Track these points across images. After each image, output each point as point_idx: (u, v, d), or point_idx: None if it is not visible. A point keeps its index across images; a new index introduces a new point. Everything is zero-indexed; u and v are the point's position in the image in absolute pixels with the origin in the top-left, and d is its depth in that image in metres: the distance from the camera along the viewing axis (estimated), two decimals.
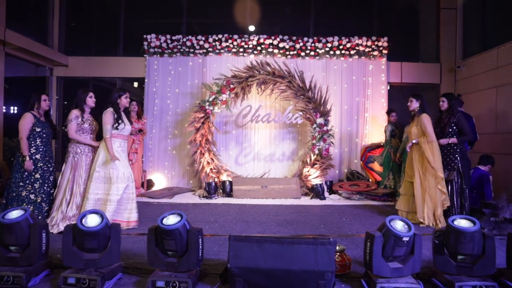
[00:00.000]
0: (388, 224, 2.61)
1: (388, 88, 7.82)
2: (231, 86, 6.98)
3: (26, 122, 4.17)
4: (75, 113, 4.30)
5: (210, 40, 7.51)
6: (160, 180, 7.49)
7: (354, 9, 8.41)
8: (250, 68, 7.07)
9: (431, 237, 2.79)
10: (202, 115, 6.94)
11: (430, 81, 8.01)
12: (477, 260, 2.62)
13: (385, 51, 7.60)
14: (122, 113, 4.33)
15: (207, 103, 6.91)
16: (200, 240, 2.69)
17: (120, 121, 4.23)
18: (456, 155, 4.61)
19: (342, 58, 7.63)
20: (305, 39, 7.51)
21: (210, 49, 7.56)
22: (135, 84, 8.67)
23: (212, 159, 6.99)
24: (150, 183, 7.25)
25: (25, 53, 6.97)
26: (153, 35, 7.56)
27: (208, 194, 6.40)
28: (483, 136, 6.19)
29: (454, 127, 4.61)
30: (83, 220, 2.70)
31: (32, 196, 4.14)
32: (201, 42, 7.51)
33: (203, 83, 7.39)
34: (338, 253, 2.83)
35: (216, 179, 6.89)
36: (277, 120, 7.35)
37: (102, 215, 2.74)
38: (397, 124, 6.61)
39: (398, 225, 2.63)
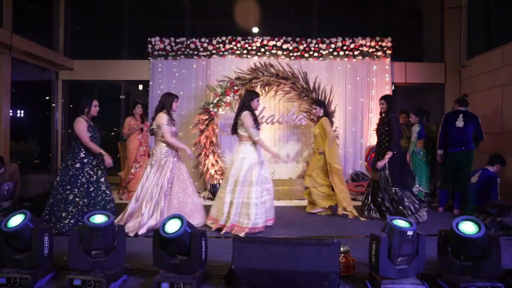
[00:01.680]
0: (390, 223, 2.62)
1: (393, 88, 7.79)
2: (235, 88, 7.00)
3: (82, 125, 4.21)
4: (165, 117, 4.35)
5: (214, 42, 7.52)
6: None
7: (358, 10, 8.39)
8: (254, 70, 7.08)
9: (436, 238, 2.78)
10: (207, 117, 6.96)
11: (435, 81, 7.96)
12: (482, 261, 2.60)
13: (389, 51, 7.57)
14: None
15: (211, 105, 6.94)
16: (203, 242, 2.70)
17: (257, 123, 4.28)
18: (385, 156, 4.81)
19: (346, 59, 7.61)
20: (309, 40, 7.50)
21: (214, 51, 7.58)
22: (140, 87, 8.73)
23: (216, 161, 7.01)
24: None
25: (31, 57, 7.04)
26: (157, 38, 7.60)
27: (213, 196, 6.41)
28: (488, 136, 6.14)
29: (386, 127, 4.82)
30: (91, 218, 2.73)
31: (77, 200, 4.17)
32: (205, 44, 7.53)
33: (207, 85, 7.41)
34: (342, 254, 2.82)
35: (220, 181, 6.90)
36: (281, 122, 7.35)
37: (108, 215, 2.77)
38: (407, 125, 6.58)
39: (401, 223, 2.63)
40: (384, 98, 5.02)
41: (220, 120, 7.37)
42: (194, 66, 7.70)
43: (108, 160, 4.27)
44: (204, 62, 7.68)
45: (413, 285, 2.51)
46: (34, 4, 8.13)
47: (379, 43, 7.51)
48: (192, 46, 7.55)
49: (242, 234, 4.02)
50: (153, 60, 7.73)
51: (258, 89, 7.14)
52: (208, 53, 7.59)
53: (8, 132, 6.56)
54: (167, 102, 4.42)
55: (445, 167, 5.63)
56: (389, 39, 7.52)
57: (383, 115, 5.00)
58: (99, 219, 2.74)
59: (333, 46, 7.48)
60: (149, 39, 7.64)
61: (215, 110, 6.94)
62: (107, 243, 2.70)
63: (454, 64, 7.81)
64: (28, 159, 7.83)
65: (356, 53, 7.53)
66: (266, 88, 7.15)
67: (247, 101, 4.33)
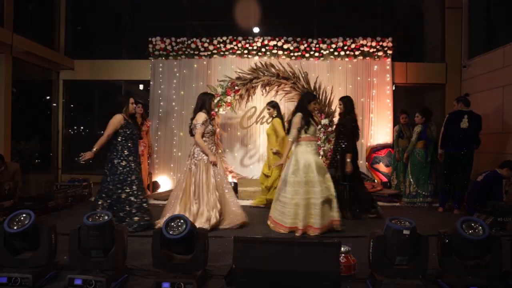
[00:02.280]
0: (388, 222, 2.62)
1: (393, 88, 7.79)
2: (236, 88, 7.00)
3: (114, 121, 4.22)
4: (203, 116, 4.40)
5: (215, 42, 7.53)
6: (165, 182, 7.52)
7: (358, 10, 8.39)
8: (255, 70, 7.08)
9: (435, 238, 2.77)
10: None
11: (436, 81, 7.96)
12: (484, 261, 2.60)
13: (390, 52, 7.56)
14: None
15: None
16: (206, 242, 2.70)
17: (310, 124, 4.28)
18: (337, 153, 5.07)
19: (346, 59, 7.60)
20: (310, 40, 7.49)
21: (215, 51, 7.58)
22: (141, 87, 8.72)
23: None
24: (155, 185, 7.29)
25: (32, 57, 7.05)
26: (158, 38, 7.60)
27: None
28: (489, 136, 6.15)
29: (342, 129, 5.02)
30: (90, 218, 2.73)
31: (132, 198, 4.20)
32: (206, 44, 7.53)
33: (208, 85, 7.41)
34: (343, 254, 2.82)
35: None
36: None
37: (107, 214, 2.76)
38: (408, 125, 6.58)
39: (399, 223, 2.64)
40: (342, 99, 5.18)
41: (221, 119, 7.37)
42: (195, 66, 7.70)
43: (87, 155, 4.04)
44: (205, 62, 7.68)
45: (413, 285, 2.50)
46: (35, 4, 8.13)
47: (380, 43, 7.51)
48: (193, 46, 7.55)
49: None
50: (154, 60, 7.73)
51: (258, 89, 7.15)
52: (209, 53, 7.59)
53: (9, 132, 6.56)
54: (206, 101, 4.48)
55: (445, 167, 5.62)
56: (390, 39, 7.51)
57: (342, 115, 5.19)
58: (98, 219, 2.73)
59: (334, 46, 7.47)
60: (150, 39, 7.64)
61: (216, 110, 6.94)
62: (105, 243, 2.69)
63: (455, 65, 7.80)
64: (29, 159, 7.83)
65: (357, 53, 7.53)
66: (267, 88, 7.15)
67: (304, 104, 4.34)
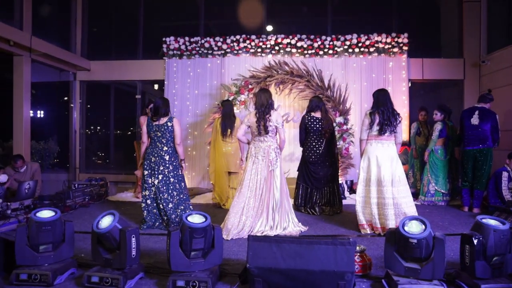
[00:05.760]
0: (400, 227, 2.59)
1: (409, 85, 7.66)
2: (250, 86, 6.99)
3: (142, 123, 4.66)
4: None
5: (228, 41, 7.54)
6: None
7: (373, 5, 8.27)
8: (268, 68, 7.06)
9: (451, 238, 2.72)
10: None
11: (453, 77, 7.78)
12: (505, 259, 2.54)
13: (405, 48, 7.42)
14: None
15: None
16: (222, 239, 2.76)
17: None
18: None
19: (361, 56, 7.50)
20: (323, 37, 7.42)
21: (228, 50, 7.59)
22: (155, 86, 8.82)
23: None
24: None
25: (50, 59, 7.20)
26: (172, 38, 7.66)
27: None
28: (509, 133, 5.98)
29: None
30: (99, 223, 2.79)
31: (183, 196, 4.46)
32: (219, 43, 7.55)
33: (222, 84, 7.43)
34: (358, 254, 2.79)
35: None
36: (295, 120, 7.31)
37: (114, 214, 2.80)
38: (426, 123, 6.48)
39: (412, 226, 2.59)
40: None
41: None
42: (209, 65, 7.73)
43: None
44: (218, 61, 7.70)
45: (431, 285, 2.46)
46: (52, 7, 8.30)
47: (395, 39, 7.37)
48: (207, 45, 7.58)
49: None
50: (168, 59, 7.80)
51: (272, 88, 7.12)
52: (223, 52, 7.61)
53: (28, 132, 6.73)
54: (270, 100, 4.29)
55: (463, 165, 5.53)
56: (406, 35, 7.37)
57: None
58: (104, 222, 2.79)
59: (348, 43, 7.38)
60: (164, 39, 7.71)
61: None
62: (113, 244, 2.73)
63: (473, 60, 7.61)
64: (47, 158, 8.01)
65: (371, 49, 7.41)
66: (281, 86, 7.12)
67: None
